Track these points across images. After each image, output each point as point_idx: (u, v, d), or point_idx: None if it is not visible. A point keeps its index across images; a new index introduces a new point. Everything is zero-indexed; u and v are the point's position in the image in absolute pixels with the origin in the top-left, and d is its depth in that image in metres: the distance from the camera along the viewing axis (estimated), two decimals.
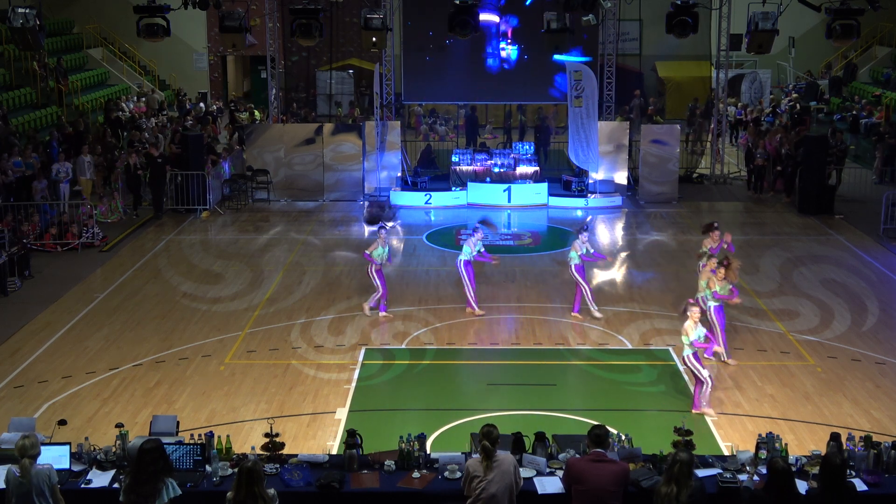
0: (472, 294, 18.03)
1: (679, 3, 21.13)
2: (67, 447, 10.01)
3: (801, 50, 40.58)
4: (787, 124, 32.68)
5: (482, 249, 18.05)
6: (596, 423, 9.84)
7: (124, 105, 33.93)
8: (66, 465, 9.88)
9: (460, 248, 18.36)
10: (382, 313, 17.96)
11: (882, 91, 35.34)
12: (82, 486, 9.73)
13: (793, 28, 37.43)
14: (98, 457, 10.15)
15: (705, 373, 13.68)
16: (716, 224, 17.52)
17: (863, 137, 32.85)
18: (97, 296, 19.33)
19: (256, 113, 36.30)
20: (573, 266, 17.71)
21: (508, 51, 28.59)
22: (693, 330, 13.56)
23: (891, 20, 36.43)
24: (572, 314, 17.93)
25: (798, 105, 35.79)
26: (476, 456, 9.26)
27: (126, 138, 30.27)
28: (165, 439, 9.67)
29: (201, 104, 38.13)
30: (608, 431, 9.49)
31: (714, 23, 30.87)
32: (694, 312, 13.61)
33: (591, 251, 17.87)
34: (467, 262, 17.86)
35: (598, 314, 17.79)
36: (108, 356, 16.08)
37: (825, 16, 20.68)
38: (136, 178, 26.12)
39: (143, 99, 36.03)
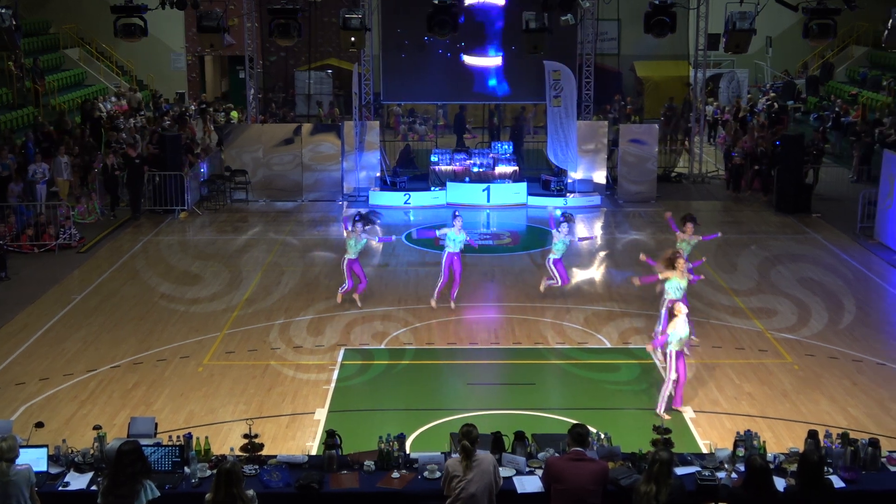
0: (441, 287, 18.19)
1: (657, 2, 21.17)
2: (45, 450, 9.95)
3: (778, 49, 40.79)
4: (764, 123, 32.85)
5: (466, 238, 18.07)
6: (576, 421, 9.86)
7: (101, 105, 33.74)
8: (44, 468, 9.83)
9: (442, 247, 18.32)
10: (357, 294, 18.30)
11: (858, 90, 35.55)
12: (60, 488, 9.67)
13: (770, 28, 37.62)
14: (76, 459, 10.09)
15: (672, 375, 13.62)
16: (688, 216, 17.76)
17: (840, 136, 33.05)
18: (74, 297, 19.23)
19: (234, 114, 36.13)
20: (552, 259, 17.80)
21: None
22: (679, 327, 13.51)
23: (867, 20, 36.64)
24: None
25: (776, 104, 35.95)
26: (455, 456, 9.27)
27: (104, 138, 30.10)
28: (143, 441, 9.63)
29: (185, 104, 37.93)
30: (589, 430, 9.51)
31: (692, 23, 30.98)
32: (680, 308, 13.61)
33: (575, 240, 18.01)
34: (455, 254, 17.89)
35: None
36: (86, 358, 15.99)
37: (802, 15, 20.77)
38: (114, 178, 26.00)
39: (125, 99, 35.85)
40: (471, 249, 18.89)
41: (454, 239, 17.94)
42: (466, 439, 9.11)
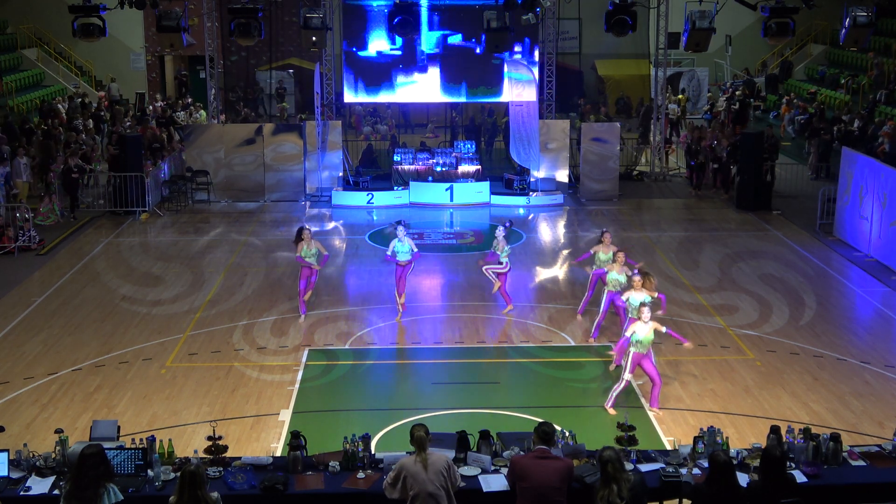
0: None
1: (617, 1, 21.29)
2: (6, 454, 9.85)
3: (737, 48, 41.12)
4: (724, 121, 33.12)
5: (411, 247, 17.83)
6: (541, 420, 9.88)
7: (60, 106, 33.45)
8: (5, 473, 9.73)
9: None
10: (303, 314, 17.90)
11: (817, 88, 35.91)
12: (21, 493, 9.57)
13: (729, 26, 37.93)
14: (37, 463, 9.99)
15: (627, 376, 13.68)
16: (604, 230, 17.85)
17: (797, 134, 33.36)
18: (35, 300, 19.03)
19: (202, 113, 35.80)
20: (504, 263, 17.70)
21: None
22: (640, 330, 13.57)
23: (825, 18, 37.03)
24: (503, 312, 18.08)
25: (738, 102, 36.18)
26: (409, 455, 9.32)
27: (62, 140, 29.79)
28: (106, 444, 9.55)
29: (157, 104, 37.56)
30: (554, 429, 9.55)
31: (652, 21, 31.16)
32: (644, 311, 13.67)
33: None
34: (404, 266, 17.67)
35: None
36: (47, 361, 15.83)
37: (761, 14, 20.96)
38: (73, 180, 25.75)
39: (96, 94, 35.61)
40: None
41: (400, 250, 17.48)
42: (420, 432, 9.21)
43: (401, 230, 17.58)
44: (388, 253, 17.61)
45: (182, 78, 41.40)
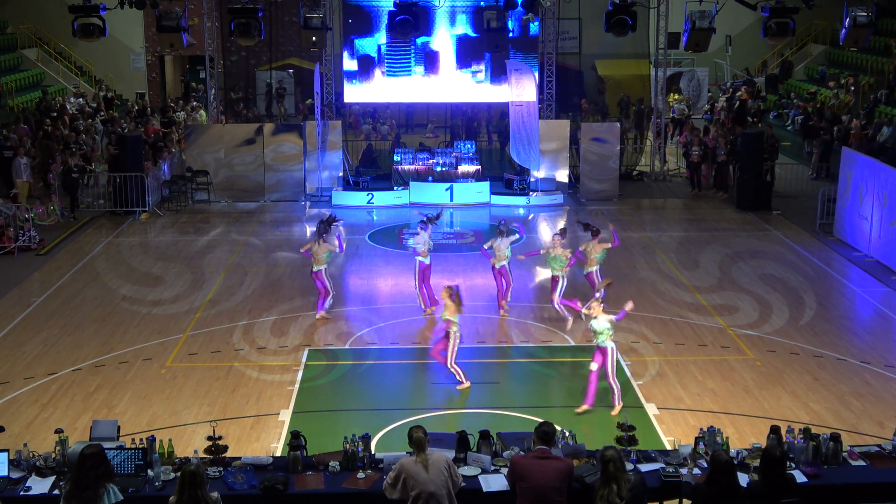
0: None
1: (617, 1, 21.32)
2: (6, 454, 9.84)
3: (737, 48, 41.13)
4: (725, 121, 33.10)
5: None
6: (541, 420, 9.88)
7: (71, 101, 33.53)
8: (5, 473, 9.72)
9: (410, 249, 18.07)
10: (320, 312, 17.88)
11: (817, 88, 35.91)
12: (21, 493, 9.56)
13: (729, 26, 37.93)
14: (37, 463, 9.98)
15: (593, 366, 13.84)
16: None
17: (796, 134, 33.36)
18: (34, 300, 19.02)
19: (202, 113, 35.78)
20: (506, 263, 17.77)
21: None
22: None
23: (825, 18, 37.04)
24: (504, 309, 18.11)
25: (738, 102, 36.17)
26: (409, 456, 9.31)
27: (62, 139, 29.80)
28: (106, 444, 9.54)
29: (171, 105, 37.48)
30: (555, 429, 9.55)
31: (652, 21, 31.16)
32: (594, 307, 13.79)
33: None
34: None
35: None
36: (47, 361, 15.82)
37: (761, 14, 20.99)
38: (73, 180, 25.75)
39: (96, 95, 35.64)
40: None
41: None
42: (421, 433, 9.20)
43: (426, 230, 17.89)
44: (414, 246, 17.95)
45: (188, 82, 41.48)
